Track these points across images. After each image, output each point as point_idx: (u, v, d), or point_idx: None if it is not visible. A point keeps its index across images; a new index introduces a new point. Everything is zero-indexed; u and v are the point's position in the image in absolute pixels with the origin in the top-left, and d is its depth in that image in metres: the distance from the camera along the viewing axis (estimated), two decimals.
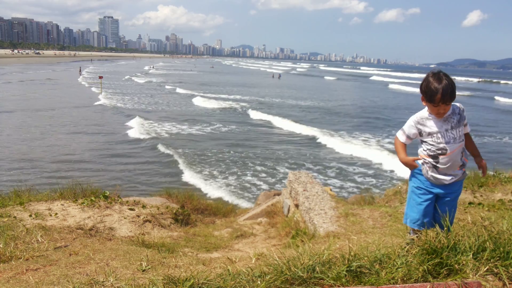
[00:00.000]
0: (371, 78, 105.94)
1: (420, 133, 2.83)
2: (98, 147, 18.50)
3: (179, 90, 47.85)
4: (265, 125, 26.39)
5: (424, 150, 2.86)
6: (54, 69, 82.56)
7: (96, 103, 33.19)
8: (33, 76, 59.79)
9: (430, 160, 2.82)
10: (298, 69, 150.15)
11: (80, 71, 68.62)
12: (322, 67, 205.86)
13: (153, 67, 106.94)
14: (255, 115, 30.17)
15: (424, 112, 2.82)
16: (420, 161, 2.90)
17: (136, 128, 22.79)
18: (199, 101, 37.19)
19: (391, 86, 73.26)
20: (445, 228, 2.68)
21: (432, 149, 2.80)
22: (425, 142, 2.83)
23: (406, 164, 2.94)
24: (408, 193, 3.03)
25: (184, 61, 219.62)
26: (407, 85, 72.89)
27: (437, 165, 2.80)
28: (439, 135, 2.76)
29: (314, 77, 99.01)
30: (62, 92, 40.70)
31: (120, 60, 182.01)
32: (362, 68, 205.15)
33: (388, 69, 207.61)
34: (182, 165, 16.14)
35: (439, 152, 2.78)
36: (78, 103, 33.25)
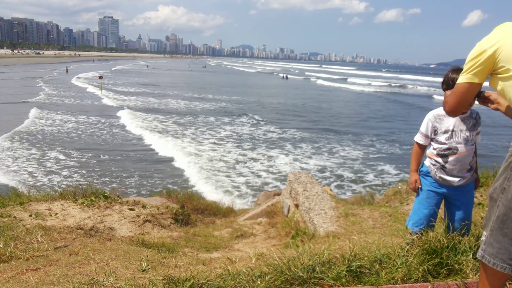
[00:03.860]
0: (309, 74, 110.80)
1: (435, 131, 2.82)
2: None
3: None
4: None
5: (434, 149, 2.85)
6: (46, 68, 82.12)
7: (26, 100, 32.70)
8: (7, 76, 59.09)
9: (439, 160, 2.82)
10: (267, 68, 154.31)
11: (66, 70, 74.55)
12: (296, 65, 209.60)
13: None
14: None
15: (441, 109, 2.81)
16: (427, 163, 2.90)
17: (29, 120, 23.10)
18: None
19: (318, 81, 79.29)
20: (445, 228, 2.67)
21: (443, 147, 2.79)
22: (437, 140, 2.82)
23: (410, 179, 3.00)
24: (416, 196, 3.03)
25: (175, 61, 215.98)
26: (331, 80, 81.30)
27: (446, 165, 2.79)
28: (454, 133, 2.77)
29: (268, 75, 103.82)
30: (9, 89, 40.18)
31: (115, 60, 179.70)
32: (335, 67, 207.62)
33: (356, 68, 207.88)
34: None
35: (449, 151, 2.78)
36: (10, 99, 32.83)
